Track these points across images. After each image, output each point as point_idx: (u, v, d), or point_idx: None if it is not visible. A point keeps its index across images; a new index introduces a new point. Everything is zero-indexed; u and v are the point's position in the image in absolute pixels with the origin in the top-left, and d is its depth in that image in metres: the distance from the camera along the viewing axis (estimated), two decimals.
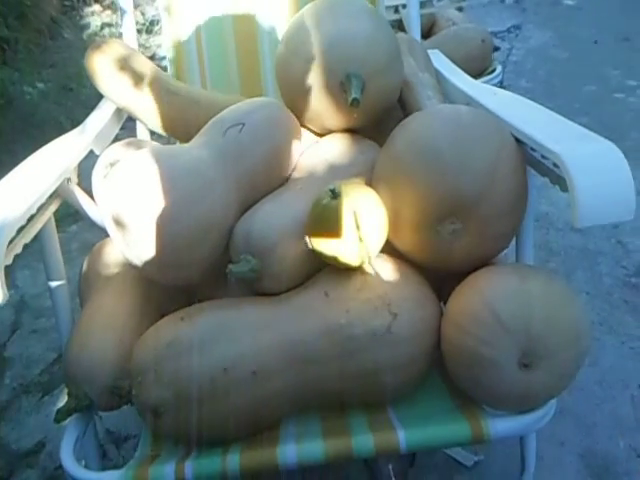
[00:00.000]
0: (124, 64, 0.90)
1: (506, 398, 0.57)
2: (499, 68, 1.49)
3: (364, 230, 0.59)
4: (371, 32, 0.74)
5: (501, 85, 1.66)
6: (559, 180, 0.61)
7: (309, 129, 0.80)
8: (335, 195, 0.59)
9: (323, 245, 0.61)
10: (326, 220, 0.59)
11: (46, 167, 0.69)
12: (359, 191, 0.60)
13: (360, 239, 0.59)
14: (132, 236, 0.61)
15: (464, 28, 1.51)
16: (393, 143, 0.65)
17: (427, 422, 0.60)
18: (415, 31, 1.02)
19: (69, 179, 0.72)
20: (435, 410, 0.63)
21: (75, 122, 2.15)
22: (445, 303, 0.65)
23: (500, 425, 0.58)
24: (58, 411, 0.62)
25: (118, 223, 0.62)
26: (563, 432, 0.91)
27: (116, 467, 0.92)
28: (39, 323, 1.28)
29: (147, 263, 0.63)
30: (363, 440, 0.57)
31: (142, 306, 0.69)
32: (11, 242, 0.58)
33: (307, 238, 0.61)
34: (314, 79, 0.73)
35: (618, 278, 1.23)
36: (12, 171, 0.69)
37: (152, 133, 1.03)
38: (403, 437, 0.57)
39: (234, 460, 0.57)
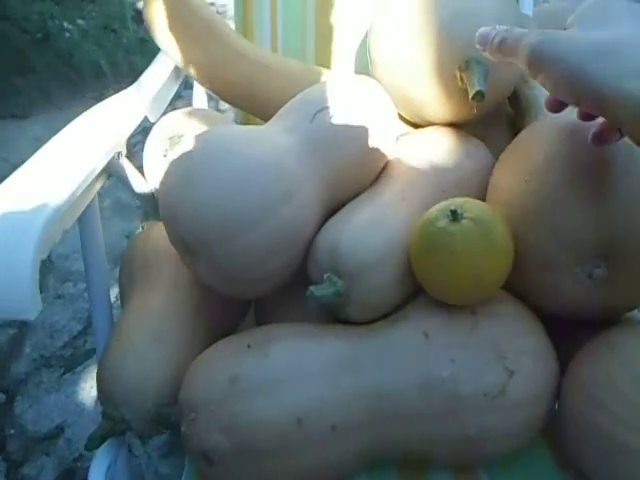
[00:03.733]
0: (188, 16, 0.77)
1: None
2: None
3: (488, 266, 0.47)
4: (499, 8, 0.61)
5: None
6: None
7: (400, 116, 0.68)
8: (456, 217, 0.47)
9: (430, 276, 0.49)
10: (441, 246, 0.47)
11: (96, 138, 0.58)
12: (487, 215, 0.48)
13: (481, 277, 0.47)
14: None
15: (560, 6, 1.34)
16: (525, 152, 0.52)
17: None
18: (527, 5, 0.87)
19: (120, 153, 0.61)
20: None
21: (115, 67, 2.04)
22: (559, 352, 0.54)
23: None
24: (91, 438, 0.52)
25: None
26: None
27: (140, 467, 0.86)
28: (65, 288, 1.20)
29: (209, 274, 0.52)
30: None
31: (195, 315, 0.58)
32: None
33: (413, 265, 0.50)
34: (423, 60, 0.60)
35: None
36: (55, 137, 0.57)
37: (209, 98, 0.91)
38: None
39: None
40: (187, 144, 0.52)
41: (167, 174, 0.52)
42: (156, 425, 0.53)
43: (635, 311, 0.53)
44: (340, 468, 0.49)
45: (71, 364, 1.02)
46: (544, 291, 0.50)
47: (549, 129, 0.52)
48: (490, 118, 0.69)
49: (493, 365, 0.48)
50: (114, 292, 0.63)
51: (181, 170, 0.51)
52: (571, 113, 0.56)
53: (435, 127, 0.66)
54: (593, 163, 0.47)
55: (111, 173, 0.61)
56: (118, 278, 0.65)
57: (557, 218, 0.47)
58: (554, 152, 0.49)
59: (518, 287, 0.52)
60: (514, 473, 0.53)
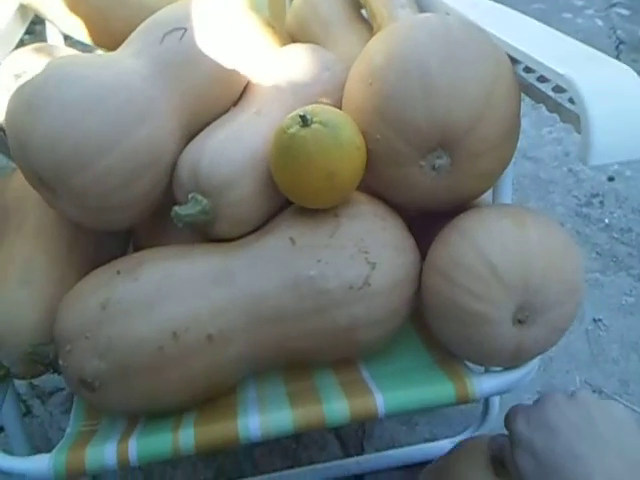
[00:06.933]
0: None
1: (496, 356, 0.51)
2: None
3: (340, 164, 0.49)
4: None
5: None
6: (558, 108, 0.53)
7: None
8: (306, 122, 0.48)
9: (290, 182, 0.51)
10: (295, 152, 0.48)
11: None
12: (334, 117, 0.49)
13: (335, 175, 0.49)
14: None
15: None
16: (369, 59, 0.54)
17: (406, 383, 0.53)
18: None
19: None
20: (412, 367, 0.56)
21: None
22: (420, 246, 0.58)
23: (486, 383, 0.53)
24: None
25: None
26: None
27: (43, 425, 0.84)
28: None
29: (71, 207, 0.51)
30: (336, 407, 0.51)
31: (66, 253, 0.57)
32: None
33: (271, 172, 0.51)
34: None
35: (570, 208, 1.21)
36: None
37: (66, 38, 0.86)
38: (382, 402, 0.51)
39: (188, 435, 0.49)
40: (37, 73, 0.50)
41: (10, 106, 0.50)
42: (36, 365, 0.52)
43: (483, 196, 0.58)
44: (222, 375, 0.51)
45: None
46: (396, 186, 0.53)
47: (389, 34, 0.54)
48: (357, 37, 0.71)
49: (356, 260, 0.51)
50: None
51: (24, 99, 0.49)
52: (410, 17, 0.58)
53: (294, 44, 0.66)
54: (424, 60, 0.49)
55: None
56: None
57: (398, 114, 0.50)
58: (392, 53, 0.51)
59: (375, 186, 0.55)
60: (389, 361, 0.58)
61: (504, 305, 0.48)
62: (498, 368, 0.55)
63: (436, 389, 0.52)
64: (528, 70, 0.55)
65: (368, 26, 0.76)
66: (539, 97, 0.55)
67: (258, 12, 0.82)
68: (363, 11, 0.79)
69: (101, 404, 0.50)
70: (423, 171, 0.51)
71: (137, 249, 0.62)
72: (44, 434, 0.83)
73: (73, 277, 0.56)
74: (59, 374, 0.52)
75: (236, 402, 0.53)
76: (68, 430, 0.53)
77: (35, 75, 0.49)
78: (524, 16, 0.61)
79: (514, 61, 0.54)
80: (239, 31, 0.61)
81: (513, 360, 0.53)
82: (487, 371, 0.57)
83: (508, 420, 0.49)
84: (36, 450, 0.53)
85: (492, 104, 0.50)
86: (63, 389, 0.87)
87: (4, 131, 0.61)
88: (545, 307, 0.48)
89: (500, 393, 0.55)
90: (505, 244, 0.49)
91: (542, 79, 0.53)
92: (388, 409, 0.51)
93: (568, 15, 2.00)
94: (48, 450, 0.50)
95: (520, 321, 0.48)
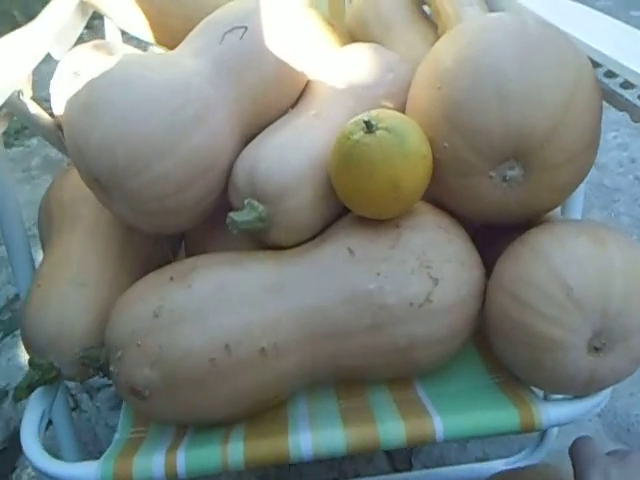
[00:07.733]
0: None
1: (567, 384, 0.47)
2: None
3: (405, 174, 0.46)
4: None
5: None
6: None
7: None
8: (371, 128, 0.46)
9: (350, 190, 0.48)
10: (357, 160, 0.46)
11: None
12: (400, 124, 0.47)
13: (399, 185, 0.46)
14: None
15: None
16: (437, 62, 0.51)
17: (466, 406, 0.50)
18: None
19: (20, 91, 0.57)
20: (471, 389, 0.53)
21: (31, 19, 1.91)
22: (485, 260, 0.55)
23: (553, 411, 0.49)
24: (17, 388, 0.50)
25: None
26: None
27: (90, 421, 0.85)
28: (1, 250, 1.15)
29: (125, 210, 0.50)
30: (392, 428, 0.48)
31: (119, 255, 0.56)
32: None
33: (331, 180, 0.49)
34: None
35: (636, 218, 1.14)
36: None
37: (124, 33, 0.85)
38: (440, 426, 0.48)
39: (237, 450, 0.47)
40: (95, 72, 0.49)
41: (68, 107, 0.49)
42: (86, 368, 0.52)
43: (557, 210, 0.54)
44: (273, 390, 0.49)
45: (10, 327, 0.99)
46: (463, 197, 0.50)
47: (459, 35, 0.51)
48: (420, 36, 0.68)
49: (417, 275, 0.48)
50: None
51: (82, 101, 0.48)
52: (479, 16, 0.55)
53: (356, 44, 0.64)
54: (499, 63, 0.46)
55: (13, 112, 0.57)
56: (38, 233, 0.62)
57: (468, 121, 0.46)
58: (463, 55, 0.48)
59: (439, 196, 0.52)
60: (447, 380, 0.54)
61: (579, 331, 0.44)
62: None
63: (499, 415, 0.49)
64: (610, 75, 0.51)
65: (432, 24, 0.73)
66: (622, 105, 0.51)
67: (317, 10, 0.80)
68: (426, 7, 0.76)
69: (150, 413, 0.49)
70: (493, 182, 0.48)
71: (189, 253, 0.60)
72: (91, 429, 0.84)
73: (126, 280, 0.55)
74: (109, 379, 0.51)
75: (286, 416, 0.51)
76: (116, 436, 0.52)
77: (92, 76, 0.48)
78: (603, 15, 0.57)
79: (594, 64, 0.50)
80: (299, 30, 0.59)
81: (585, 389, 0.49)
82: (547, 397, 0.53)
83: (581, 468, 0.45)
84: (82, 445, 0.53)
85: (572, 112, 0.47)
86: (111, 385, 0.88)
87: (62, 129, 0.61)
88: (625, 334, 0.45)
89: (568, 423, 0.51)
90: (582, 264, 0.45)
91: (626, 85, 0.49)
92: (447, 434, 0.48)
93: (636, 13, 1.89)
94: (94, 446, 0.49)
95: (596, 348, 0.45)
